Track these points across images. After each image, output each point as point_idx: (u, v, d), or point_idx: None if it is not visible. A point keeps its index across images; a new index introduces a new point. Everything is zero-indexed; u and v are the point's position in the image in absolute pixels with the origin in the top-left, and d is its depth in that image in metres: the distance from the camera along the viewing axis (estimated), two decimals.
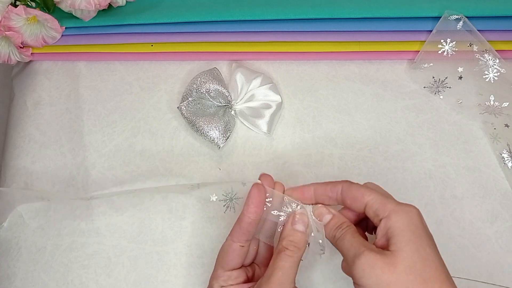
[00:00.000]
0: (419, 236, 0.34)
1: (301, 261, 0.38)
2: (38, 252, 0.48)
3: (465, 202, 0.50)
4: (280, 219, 0.40)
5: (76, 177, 0.51)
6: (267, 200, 0.40)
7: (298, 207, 0.40)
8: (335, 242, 0.38)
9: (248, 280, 0.40)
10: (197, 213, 0.49)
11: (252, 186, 0.39)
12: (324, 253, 0.39)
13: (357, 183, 0.39)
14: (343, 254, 0.37)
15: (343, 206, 0.41)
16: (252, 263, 0.42)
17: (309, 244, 0.39)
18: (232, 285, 0.39)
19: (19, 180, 0.51)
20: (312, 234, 0.39)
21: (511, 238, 0.48)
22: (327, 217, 0.39)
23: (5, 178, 0.51)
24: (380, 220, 0.36)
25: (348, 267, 0.37)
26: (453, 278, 0.35)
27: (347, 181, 0.39)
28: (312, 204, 0.40)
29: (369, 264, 0.34)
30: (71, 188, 0.50)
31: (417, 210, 0.36)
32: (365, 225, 0.41)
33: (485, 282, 0.46)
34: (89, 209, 0.49)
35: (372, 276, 0.33)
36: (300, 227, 0.39)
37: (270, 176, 0.41)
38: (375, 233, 0.39)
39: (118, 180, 0.51)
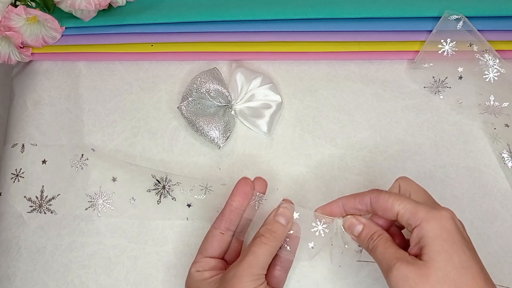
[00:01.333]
0: (452, 243, 0.33)
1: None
2: (38, 252, 0.48)
3: (465, 202, 0.49)
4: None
5: (76, 177, 0.51)
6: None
7: (293, 211, 0.41)
8: (370, 253, 0.37)
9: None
10: (197, 212, 0.49)
11: (240, 178, 0.42)
12: (361, 251, 0.40)
13: (385, 192, 0.38)
14: (378, 265, 0.36)
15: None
16: None
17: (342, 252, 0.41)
18: (207, 270, 0.39)
19: (19, 180, 0.51)
20: (346, 247, 0.40)
21: (511, 238, 0.48)
22: (358, 228, 0.39)
23: (5, 178, 0.51)
24: (413, 229, 0.35)
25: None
26: None
27: (374, 190, 0.39)
28: (343, 216, 0.40)
29: (402, 276, 0.33)
30: (71, 188, 0.50)
31: (450, 213, 0.35)
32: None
33: None
34: (89, 209, 0.49)
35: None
36: (281, 219, 0.39)
37: (264, 180, 0.44)
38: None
39: (118, 180, 0.50)
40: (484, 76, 0.53)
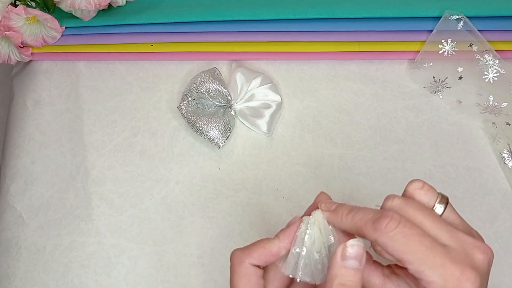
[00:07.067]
0: None
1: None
2: (38, 252, 0.48)
3: (465, 202, 0.49)
4: (322, 254, 0.32)
5: (76, 177, 0.51)
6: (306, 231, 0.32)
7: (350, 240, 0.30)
8: None
9: None
10: (197, 213, 0.49)
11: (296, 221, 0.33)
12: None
13: (395, 236, 0.28)
14: None
15: None
16: None
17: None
18: None
19: (19, 180, 0.51)
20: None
21: (511, 238, 0.48)
22: None
23: (5, 178, 0.51)
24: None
25: None
26: None
27: (383, 227, 0.29)
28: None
29: None
30: (71, 188, 0.50)
31: (472, 285, 0.28)
32: None
33: None
34: (89, 209, 0.49)
35: None
36: (353, 263, 0.29)
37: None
38: None
39: (118, 180, 0.51)
40: (483, 77, 0.53)
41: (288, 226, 0.33)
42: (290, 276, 0.31)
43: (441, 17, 0.53)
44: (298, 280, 0.31)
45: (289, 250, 0.32)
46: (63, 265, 0.47)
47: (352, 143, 0.52)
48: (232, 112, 0.52)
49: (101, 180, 0.50)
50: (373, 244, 0.30)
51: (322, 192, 0.34)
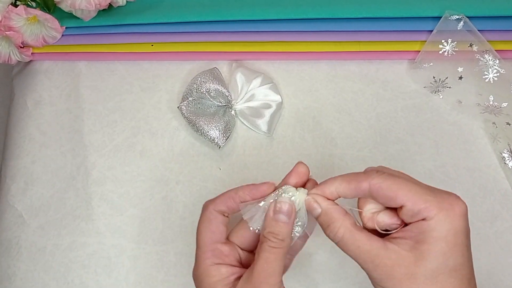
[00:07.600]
0: (453, 246, 0.31)
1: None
2: (38, 252, 0.48)
3: (465, 202, 0.49)
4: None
5: (76, 177, 0.51)
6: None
7: (283, 194, 0.35)
8: (335, 242, 0.34)
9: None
10: (197, 213, 0.49)
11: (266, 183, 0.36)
12: (298, 235, 0.35)
13: (387, 178, 0.33)
14: (350, 256, 0.34)
15: None
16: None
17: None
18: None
19: (19, 180, 0.51)
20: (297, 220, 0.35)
21: (511, 238, 0.48)
22: (317, 212, 0.34)
23: (5, 178, 0.51)
24: (418, 220, 0.32)
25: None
26: None
27: (374, 174, 0.33)
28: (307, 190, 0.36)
29: (388, 274, 0.32)
30: (71, 188, 0.50)
31: (464, 209, 0.32)
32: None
33: None
34: (89, 209, 0.49)
35: (390, 285, 0.32)
36: (281, 217, 0.34)
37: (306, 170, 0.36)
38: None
39: (118, 180, 0.51)
40: (484, 77, 0.53)
41: (259, 185, 0.36)
42: (243, 217, 0.35)
43: (441, 17, 0.53)
44: (250, 228, 0.36)
45: (252, 200, 0.36)
46: (64, 265, 0.47)
47: (352, 143, 0.52)
48: (233, 112, 0.52)
49: (101, 180, 0.50)
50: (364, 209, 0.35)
51: (300, 163, 0.36)
